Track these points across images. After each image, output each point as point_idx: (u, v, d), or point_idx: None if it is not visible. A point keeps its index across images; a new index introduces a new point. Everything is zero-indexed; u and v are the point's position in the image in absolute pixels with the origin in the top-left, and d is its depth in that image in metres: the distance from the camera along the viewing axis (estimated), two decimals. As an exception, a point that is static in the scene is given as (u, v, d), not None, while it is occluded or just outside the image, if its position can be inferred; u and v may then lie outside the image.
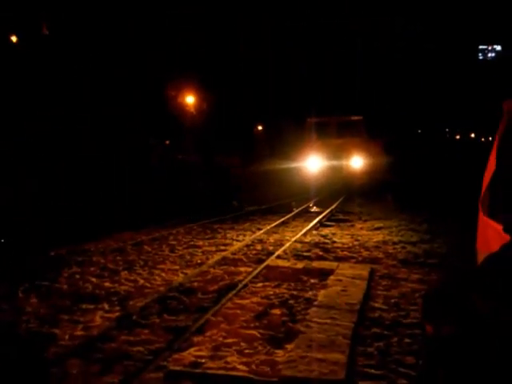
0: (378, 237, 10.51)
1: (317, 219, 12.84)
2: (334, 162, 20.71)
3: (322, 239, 10.27)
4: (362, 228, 11.79)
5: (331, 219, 13.38)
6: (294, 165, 22.78)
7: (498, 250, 0.98)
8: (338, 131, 21.25)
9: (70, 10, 20.80)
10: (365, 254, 8.75)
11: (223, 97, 35.63)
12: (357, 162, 21.02)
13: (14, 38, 18.66)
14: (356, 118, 21.85)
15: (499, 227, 1.09)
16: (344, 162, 20.87)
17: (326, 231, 11.35)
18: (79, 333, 4.92)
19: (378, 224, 12.18)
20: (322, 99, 28.73)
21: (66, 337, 4.79)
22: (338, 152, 20.73)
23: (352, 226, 12.22)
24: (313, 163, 21.06)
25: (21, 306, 5.76)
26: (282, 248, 9.12)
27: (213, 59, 32.14)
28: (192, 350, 4.48)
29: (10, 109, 18.85)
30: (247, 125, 43.19)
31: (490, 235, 1.22)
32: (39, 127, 19.75)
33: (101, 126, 23.71)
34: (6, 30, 18.57)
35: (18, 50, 18.76)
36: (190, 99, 35.37)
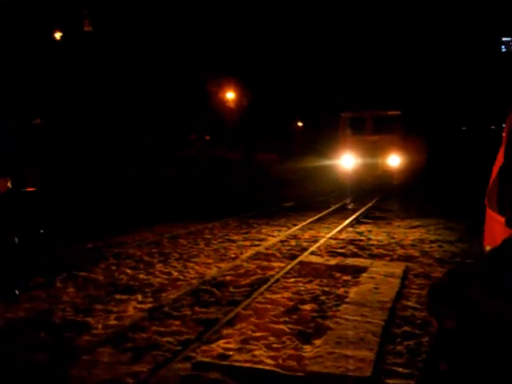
0: (415, 235, 10.35)
1: (353, 216, 12.74)
2: (370, 160, 19.45)
3: (358, 236, 10.18)
4: (398, 226, 11.63)
5: (367, 216, 13.24)
6: (329, 162, 21.92)
7: (499, 244, 0.97)
8: (373, 127, 19.75)
9: (114, 7, 21.18)
10: (400, 251, 8.64)
11: (263, 93, 35.65)
12: (394, 160, 19.64)
13: (57, 35, 19.13)
14: (394, 112, 20.09)
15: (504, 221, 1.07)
16: (380, 160, 19.52)
17: (361, 228, 11.25)
18: (112, 322, 5.03)
19: (415, 222, 12.00)
20: (358, 92, 28.08)
21: (99, 326, 4.91)
22: (373, 149, 19.44)
23: (388, 223, 12.07)
24: (347, 161, 19.94)
25: (58, 294, 5.94)
26: (317, 244, 9.09)
27: (253, 55, 32.18)
28: (221, 342, 4.53)
29: (55, 103, 19.38)
30: (286, 121, 43.10)
31: (496, 229, 1.20)
32: (82, 122, 20.23)
33: (142, 120, 24.11)
34: (51, 27, 19.06)
35: (61, 46, 19.23)
36: (230, 95, 35.55)
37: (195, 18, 26.32)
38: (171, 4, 24.34)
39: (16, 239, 5.76)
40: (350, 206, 15.42)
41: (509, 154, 1.08)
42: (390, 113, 20.05)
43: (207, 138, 40.25)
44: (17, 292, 5.82)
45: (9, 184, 5.71)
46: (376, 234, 10.44)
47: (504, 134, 1.13)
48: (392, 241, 9.67)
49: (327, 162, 22.75)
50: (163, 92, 25.36)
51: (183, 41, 26.28)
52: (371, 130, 19.74)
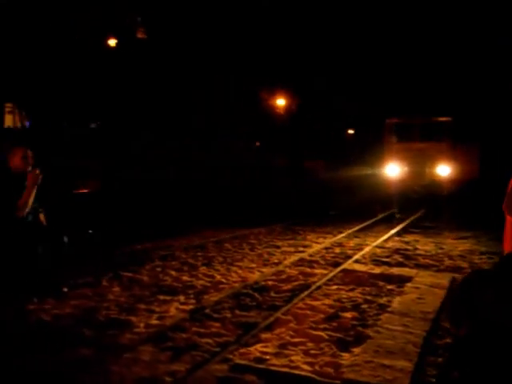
0: (464, 246, 10.10)
1: (400, 226, 12.54)
2: (417, 169, 18.37)
3: (404, 245, 10.02)
4: (447, 236, 11.37)
5: (415, 226, 13.00)
6: (377, 170, 21.03)
7: None
8: (421, 134, 18.56)
9: (167, 15, 21.66)
10: (448, 262, 8.45)
11: (313, 99, 35.56)
12: (443, 170, 18.36)
13: (112, 42, 19.71)
14: (444, 119, 18.86)
15: None
16: (428, 169, 18.34)
17: (409, 238, 11.06)
18: (154, 322, 5.14)
19: (465, 233, 11.70)
20: (406, 97, 27.33)
21: (142, 325, 5.02)
22: (421, 158, 18.34)
23: (436, 233, 11.81)
24: (392, 169, 18.84)
25: (103, 293, 6.11)
26: (361, 252, 9.00)
27: (303, 61, 32.18)
28: (259, 346, 4.55)
29: (109, 108, 19.96)
30: (336, 128, 42.82)
31: None
32: (135, 125, 20.74)
33: (194, 127, 24.50)
34: (105, 34, 19.66)
35: (115, 54, 19.80)
36: (280, 101, 35.63)
37: (245, 27, 26.56)
38: (225, 13, 24.66)
39: (66, 238, 5.96)
40: (397, 216, 15.17)
41: None
42: (439, 119, 18.92)
43: (257, 144, 40.45)
44: (65, 290, 6.03)
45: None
46: (423, 244, 10.25)
47: None
48: (440, 251, 9.47)
49: (375, 171, 22.29)
50: (212, 98, 25.70)
51: (234, 48, 26.54)
52: (419, 136, 18.61)
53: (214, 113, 25.93)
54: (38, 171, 5.88)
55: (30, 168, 5.89)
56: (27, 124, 22.53)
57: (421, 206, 16.93)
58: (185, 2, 22.30)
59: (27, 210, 5.82)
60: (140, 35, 20.99)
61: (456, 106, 23.26)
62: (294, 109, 34.45)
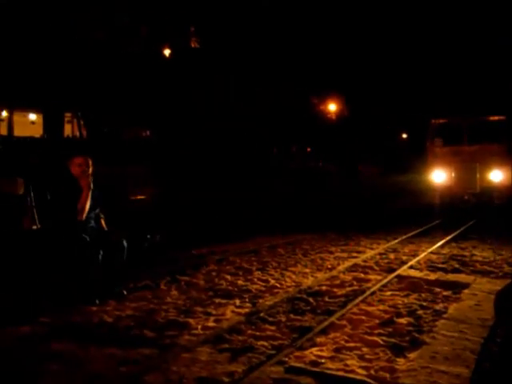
0: (524, 253, 9.79)
1: (457, 231, 12.28)
2: (466, 175, 16.37)
3: (461, 251, 9.82)
4: (505, 242, 11.04)
5: (472, 231, 12.69)
6: (423, 176, 18.94)
7: None
8: (471, 135, 16.49)
9: (219, 24, 22.05)
10: (507, 269, 8.24)
11: (365, 104, 35.25)
12: (496, 176, 16.26)
13: (167, 52, 20.24)
14: (497, 117, 16.76)
15: None
16: (479, 175, 16.29)
17: (465, 244, 10.82)
18: (211, 324, 5.28)
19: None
20: (457, 96, 26.26)
21: (199, 327, 5.17)
22: (470, 162, 16.35)
23: (494, 238, 11.47)
24: (438, 175, 16.93)
25: (162, 296, 6.32)
26: (416, 258, 8.89)
27: (354, 66, 32.01)
28: (314, 349, 4.61)
29: (163, 116, 20.48)
30: (390, 133, 42.25)
31: None
32: (192, 136, 21.19)
33: (246, 135, 24.78)
34: (160, 44, 20.23)
35: (170, 62, 20.32)
36: (332, 106, 35.51)
37: (297, 34, 26.69)
38: (277, 22, 24.88)
39: (125, 243, 6.21)
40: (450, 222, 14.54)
41: None
42: (491, 118, 16.87)
43: (308, 149, 40.44)
44: (124, 292, 6.27)
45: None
46: (481, 250, 10.01)
47: None
48: (498, 258, 9.23)
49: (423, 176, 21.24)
50: (266, 105, 25.92)
51: (286, 55, 26.70)
52: (468, 138, 16.57)
53: (271, 120, 26.18)
54: (91, 176, 6.18)
55: (89, 175, 6.19)
56: (84, 133, 23.35)
57: (470, 218, 14.69)
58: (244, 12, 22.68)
59: (85, 214, 6.11)
60: (193, 44, 21.48)
61: (510, 102, 21.42)
62: (346, 113, 34.26)
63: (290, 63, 27.20)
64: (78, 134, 26.03)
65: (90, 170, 6.25)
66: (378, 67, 33.18)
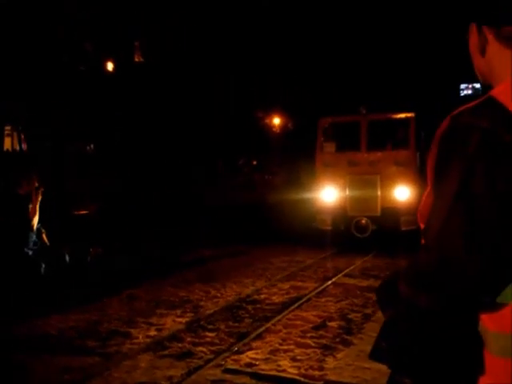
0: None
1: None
2: (363, 192, 11.73)
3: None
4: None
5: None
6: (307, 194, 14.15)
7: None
8: (370, 138, 12.17)
9: (164, 39, 22.26)
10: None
11: (309, 117, 35.99)
12: (402, 194, 11.63)
13: (109, 66, 20.27)
14: (403, 115, 12.37)
15: None
16: (379, 193, 11.67)
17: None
18: (152, 333, 5.49)
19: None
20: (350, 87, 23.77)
21: (140, 336, 5.37)
22: (369, 175, 11.85)
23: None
24: (328, 193, 12.23)
25: (104, 308, 6.47)
26: (352, 266, 9.38)
27: (296, 81, 32.71)
28: (250, 352, 4.91)
29: (106, 130, 20.45)
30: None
31: None
32: (134, 149, 21.21)
33: (192, 147, 24.96)
34: (103, 58, 20.24)
35: (113, 77, 20.35)
36: (276, 120, 36.22)
37: (240, 48, 27.14)
38: (221, 36, 25.25)
39: (67, 256, 6.35)
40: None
41: None
42: (397, 116, 12.54)
43: (254, 162, 40.92)
44: (67, 304, 6.38)
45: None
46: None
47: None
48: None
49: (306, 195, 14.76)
50: (210, 118, 26.23)
51: (229, 68, 27.13)
52: (366, 142, 12.19)
53: (209, 132, 26.48)
54: (41, 189, 6.33)
55: (35, 188, 6.33)
56: (24, 146, 22.90)
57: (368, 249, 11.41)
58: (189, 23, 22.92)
59: (35, 226, 6.24)
60: (137, 58, 21.60)
61: (418, 99, 18.03)
62: (291, 127, 34.90)
63: (233, 78, 27.67)
64: (18, 147, 25.49)
65: (36, 185, 6.38)
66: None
